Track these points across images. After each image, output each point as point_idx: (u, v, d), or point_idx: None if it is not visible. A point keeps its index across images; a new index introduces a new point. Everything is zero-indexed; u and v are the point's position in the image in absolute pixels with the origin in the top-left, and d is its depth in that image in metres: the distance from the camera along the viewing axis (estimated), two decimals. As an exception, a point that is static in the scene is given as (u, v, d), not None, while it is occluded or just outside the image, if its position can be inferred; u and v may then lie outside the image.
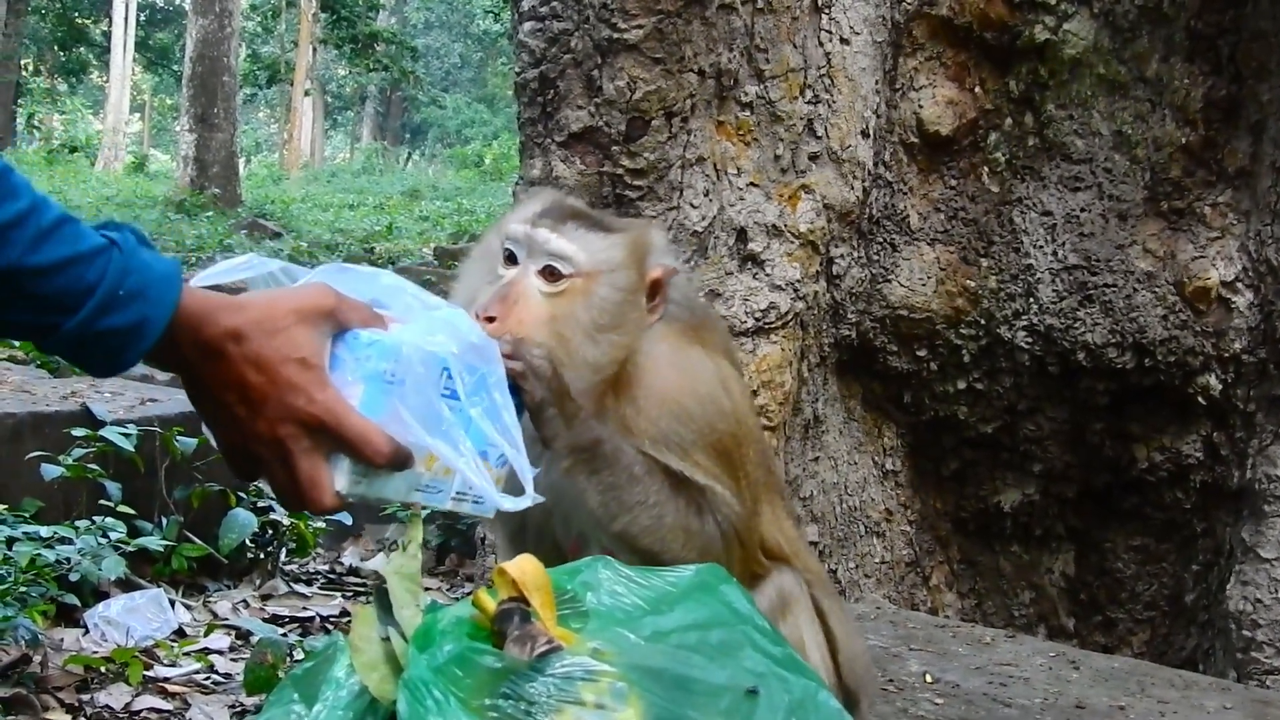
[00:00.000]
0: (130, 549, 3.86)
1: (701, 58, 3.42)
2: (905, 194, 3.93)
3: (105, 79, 39.36)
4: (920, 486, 4.20)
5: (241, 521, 4.15)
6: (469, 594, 1.51)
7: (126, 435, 4.01)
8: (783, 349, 3.60)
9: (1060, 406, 3.99)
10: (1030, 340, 3.89)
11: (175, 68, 33.60)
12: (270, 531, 4.43)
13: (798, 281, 3.62)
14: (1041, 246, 3.86)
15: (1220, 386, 3.80)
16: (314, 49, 31.77)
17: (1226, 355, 3.77)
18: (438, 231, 18.29)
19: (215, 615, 4.02)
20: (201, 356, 1.38)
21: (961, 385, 4.00)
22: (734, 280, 3.54)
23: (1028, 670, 2.98)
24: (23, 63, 31.16)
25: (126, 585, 3.91)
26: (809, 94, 3.63)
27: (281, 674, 2.95)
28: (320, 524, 4.50)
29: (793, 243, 3.61)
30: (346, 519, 4.48)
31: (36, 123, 33.75)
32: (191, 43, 19.50)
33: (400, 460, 1.43)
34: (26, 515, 3.80)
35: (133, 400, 4.56)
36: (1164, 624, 4.07)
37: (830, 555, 3.94)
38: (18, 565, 3.50)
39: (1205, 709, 2.79)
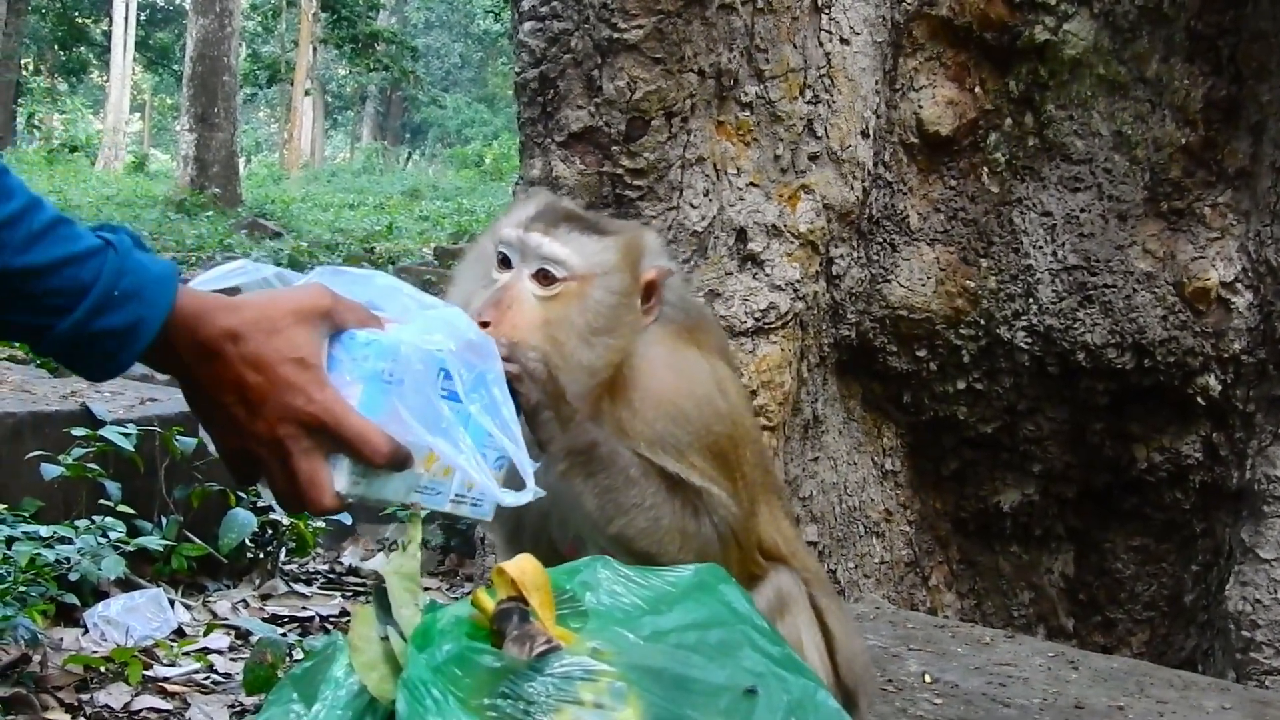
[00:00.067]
0: (130, 548, 3.87)
1: (701, 58, 3.42)
2: (905, 194, 3.93)
3: (105, 78, 39.38)
4: (920, 487, 4.20)
5: (241, 521, 4.16)
6: (468, 594, 1.51)
7: (126, 435, 4.01)
8: (782, 349, 3.60)
9: (1060, 407, 3.99)
10: (1030, 340, 3.89)
11: (175, 67, 33.61)
12: (270, 531, 4.43)
13: (797, 281, 3.62)
14: (1041, 247, 3.86)
15: (1220, 387, 3.79)
16: (314, 49, 31.79)
17: (1226, 356, 3.77)
18: (438, 231, 18.29)
19: (215, 615, 4.02)
20: (198, 357, 1.37)
21: (961, 385, 4.00)
22: (734, 280, 3.54)
23: (1027, 670, 2.98)
24: (23, 62, 31.19)
25: (126, 585, 3.92)
26: (809, 94, 3.63)
27: (281, 674, 2.95)
28: (320, 524, 4.50)
29: (792, 243, 3.61)
30: (346, 519, 4.49)
31: (37, 122, 33.77)
32: (192, 42, 19.52)
33: (400, 460, 1.43)
34: (26, 515, 3.81)
35: (132, 400, 4.56)
36: (1163, 624, 4.07)
37: (830, 555, 3.94)
38: (17, 565, 3.50)
39: (1204, 709, 2.79)
